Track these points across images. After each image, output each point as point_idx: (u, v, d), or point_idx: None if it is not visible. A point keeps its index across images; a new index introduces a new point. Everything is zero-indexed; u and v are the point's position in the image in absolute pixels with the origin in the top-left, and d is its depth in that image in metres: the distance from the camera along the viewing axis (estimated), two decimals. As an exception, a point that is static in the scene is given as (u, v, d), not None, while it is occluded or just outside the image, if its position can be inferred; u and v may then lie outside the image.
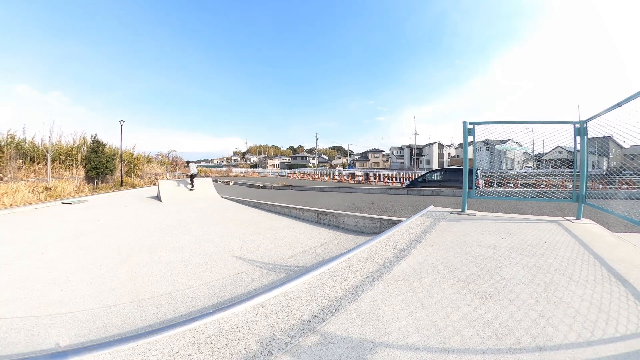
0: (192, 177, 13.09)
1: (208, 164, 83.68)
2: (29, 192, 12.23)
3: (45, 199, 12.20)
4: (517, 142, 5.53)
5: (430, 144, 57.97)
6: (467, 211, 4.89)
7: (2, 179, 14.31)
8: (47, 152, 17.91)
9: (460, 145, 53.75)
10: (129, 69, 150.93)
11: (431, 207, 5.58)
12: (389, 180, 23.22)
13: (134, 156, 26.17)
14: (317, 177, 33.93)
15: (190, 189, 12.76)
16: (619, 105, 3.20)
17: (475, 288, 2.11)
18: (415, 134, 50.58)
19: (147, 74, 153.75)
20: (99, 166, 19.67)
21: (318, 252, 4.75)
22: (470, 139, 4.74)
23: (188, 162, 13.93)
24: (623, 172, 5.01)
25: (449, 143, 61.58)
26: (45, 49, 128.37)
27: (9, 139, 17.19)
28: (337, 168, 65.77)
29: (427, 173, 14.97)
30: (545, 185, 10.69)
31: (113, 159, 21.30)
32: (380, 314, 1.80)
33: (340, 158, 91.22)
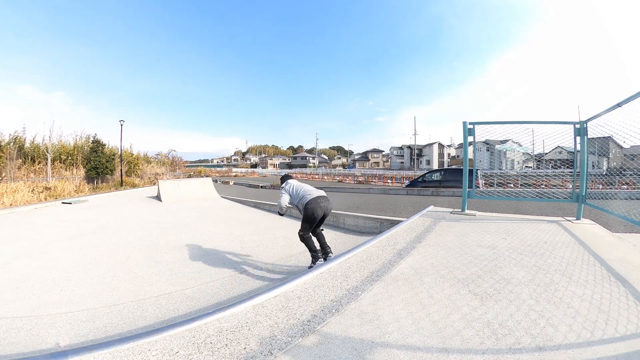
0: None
1: (208, 164, 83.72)
2: (28, 191, 12.23)
3: (45, 199, 12.20)
4: (517, 142, 5.53)
5: (430, 144, 57.98)
6: (467, 211, 4.89)
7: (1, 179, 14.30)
8: (47, 152, 17.92)
9: (460, 146, 53.72)
10: (130, 70, 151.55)
11: (431, 207, 5.57)
12: (389, 180, 23.21)
13: (133, 156, 26.20)
14: (317, 177, 33.93)
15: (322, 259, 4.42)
16: (619, 105, 3.20)
17: (475, 288, 2.11)
18: (415, 134, 50.71)
19: (148, 74, 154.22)
20: (99, 166, 19.69)
21: (318, 252, 4.74)
22: (470, 139, 4.74)
23: (287, 178, 4.52)
24: (623, 172, 5.01)
25: (449, 143, 61.56)
26: (48, 49, 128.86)
27: (11, 139, 17.21)
28: (337, 168, 65.74)
29: (427, 173, 14.99)
30: (545, 185, 10.68)
31: (113, 159, 21.32)
32: (380, 314, 1.80)
33: (340, 158, 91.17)
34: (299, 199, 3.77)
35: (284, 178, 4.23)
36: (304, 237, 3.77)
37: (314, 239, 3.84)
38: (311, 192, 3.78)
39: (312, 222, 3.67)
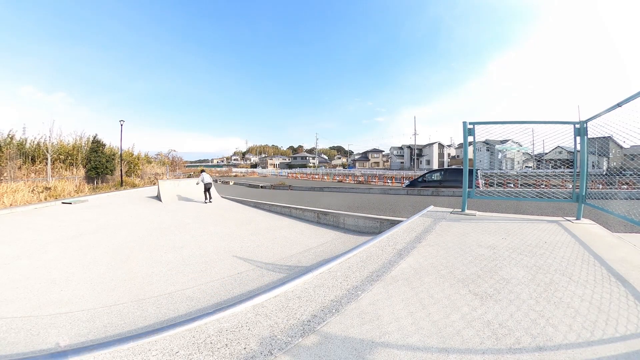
0: (207, 189, 11.76)
1: (208, 164, 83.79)
2: (29, 191, 12.24)
3: (45, 199, 12.20)
4: (517, 142, 5.53)
5: (430, 144, 57.96)
6: (467, 211, 4.89)
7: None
8: (47, 152, 17.91)
9: (460, 146, 53.71)
10: (131, 70, 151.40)
11: (431, 207, 5.58)
12: (389, 180, 23.20)
13: (134, 156, 26.19)
14: (317, 177, 33.92)
15: (207, 202, 11.44)
16: (619, 105, 3.20)
17: (475, 288, 2.11)
18: (415, 134, 50.69)
19: (148, 74, 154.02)
20: (99, 166, 19.67)
21: (318, 252, 4.75)
22: (470, 139, 4.74)
23: (202, 171, 12.40)
24: (623, 172, 5.01)
25: (449, 143, 61.53)
26: (50, 50, 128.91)
27: (9, 139, 17.22)
28: (337, 168, 65.72)
29: (427, 173, 14.97)
30: (545, 185, 10.69)
31: (113, 159, 21.30)
32: (380, 314, 1.80)
33: (340, 158, 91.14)
34: (202, 183, 11.56)
35: (202, 172, 12.10)
36: (204, 192, 11.63)
37: (208, 195, 11.59)
38: (205, 181, 11.55)
39: (206, 190, 11.59)
